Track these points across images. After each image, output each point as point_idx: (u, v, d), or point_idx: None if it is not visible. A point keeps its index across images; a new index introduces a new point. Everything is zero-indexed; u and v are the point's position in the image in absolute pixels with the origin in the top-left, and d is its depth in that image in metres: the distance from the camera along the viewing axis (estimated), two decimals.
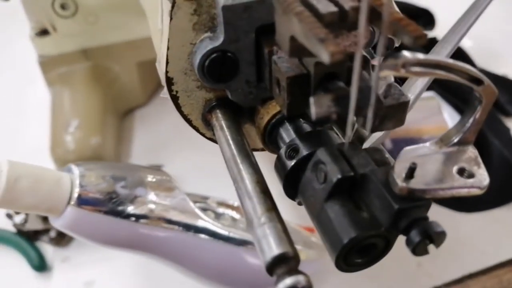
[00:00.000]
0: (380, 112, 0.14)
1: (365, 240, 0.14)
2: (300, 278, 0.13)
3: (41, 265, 0.43)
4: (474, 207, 0.46)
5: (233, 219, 0.36)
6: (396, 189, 0.13)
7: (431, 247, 0.13)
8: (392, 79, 0.15)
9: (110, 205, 0.25)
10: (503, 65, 0.63)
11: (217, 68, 0.17)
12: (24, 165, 0.23)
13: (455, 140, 0.15)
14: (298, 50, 0.13)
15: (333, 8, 0.12)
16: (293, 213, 0.39)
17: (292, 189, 0.16)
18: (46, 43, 0.52)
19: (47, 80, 0.54)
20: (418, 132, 0.47)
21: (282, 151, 0.17)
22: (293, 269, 0.13)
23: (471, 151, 0.15)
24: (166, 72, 0.17)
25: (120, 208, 0.26)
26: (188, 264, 0.30)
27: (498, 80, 0.60)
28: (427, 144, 0.15)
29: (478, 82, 0.13)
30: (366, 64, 0.15)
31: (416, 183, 0.13)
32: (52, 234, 0.45)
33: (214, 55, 0.17)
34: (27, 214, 0.45)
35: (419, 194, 0.13)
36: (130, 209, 0.26)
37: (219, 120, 0.19)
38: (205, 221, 0.29)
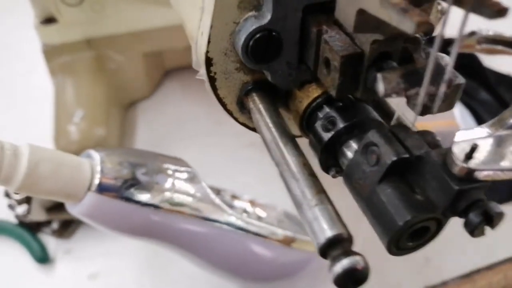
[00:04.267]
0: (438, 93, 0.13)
1: (421, 222, 0.14)
2: (358, 259, 0.13)
3: (43, 257, 0.42)
4: None
5: (246, 212, 0.36)
6: (455, 170, 0.13)
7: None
8: (447, 59, 0.14)
9: (130, 191, 0.25)
10: (509, 63, 0.63)
11: (261, 48, 0.16)
12: (45, 149, 0.22)
13: (511, 122, 0.15)
14: (363, 25, 0.12)
15: None
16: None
17: (327, 162, 0.16)
18: (50, 32, 0.51)
19: (51, 69, 0.53)
20: (427, 127, 0.47)
21: (318, 124, 0.16)
22: (349, 250, 0.13)
23: None
24: (207, 52, 0.17)
25: (140, 195, 0.25)
26: (203, 255, 0.30)
27: (503, 78, 0.61)
28: (482, 126, 0.15)
29: None
30: (419, 45, 0.15)
31: (476, 164, 0.13)
32: (55, 225, 0.44)
33: (260, 34, 0.16)
34: (29, 205, 0.44)
35: (478, 175, 0.13)
36: (150, 196, 0.25)
37: (256, 104, 0.18)
38: (225, 212, 0.29)
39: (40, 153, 0.22)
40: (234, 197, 0.37)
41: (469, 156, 0.13)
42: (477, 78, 0.59)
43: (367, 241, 0.42)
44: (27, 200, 0.44)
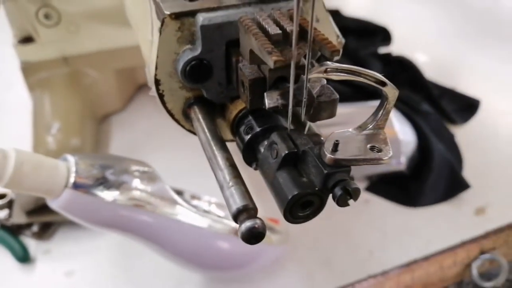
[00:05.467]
0: (314, 105, 0.19)
1: (304, 197, 0.19)
2: (257, 221, 0.18)
3: (24, 257, 0.45)
4: (420, 202, 0.51)
5: (205, 211, 0.41)
6: (326, 159, 0.19)
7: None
8: (325, 82, 0.20)
9: (100, 189, 0.29)
10: (452, 78, 0.71)
11: (195, 72, 0.22)
12: (28, 152, 0.27)
13: (370, 126, 0.20)
14: (255, 59, 0.18)
15: (279, 31, 0.18)
16: (260, 207, 0.44)
17: (248, 158, 0.22)
18: (28, 50, 0.55)
19: (29, 85, 0.57)
20: None
21: (241, 129, 0.22)
22: (253, 216, 0.18)
23: (382, 134, 0.20)
24: (155, 75, 0.22)
25: (108, 192, 0.30)
26: (165, 245, 0.34)
27: (446, 92, 0.68)
28: (350, 129, 0.20)
29: (383, 84, 0.19)
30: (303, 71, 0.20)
31: (339, 155, 0.19)
32: (35, 228, 0.48)
33: (193, 62, 0.22)
34: (10, 210, 0.48)
35: (342, 162, 0.19)
36: (117, 193, 0.30)
37: (197, 114, 0.24)
38: (183, 207, 0.34)
39: (24, 155, 0.27)
40: (194, 197, 0.42)
41: (334, 149, 0.19)
42: (421, 92, 0.66)
43: (317, 239, 0.48)
44: (9, 205, 0.48)
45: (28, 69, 0.56)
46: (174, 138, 0.59)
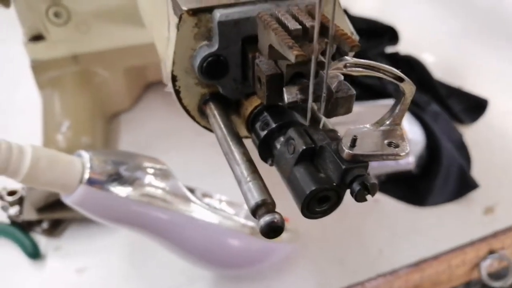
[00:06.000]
0: (331, 101, 0.19)
1: (322, 192, 0.19)
2: (276, 216, 0.18)
3: (35, 253, 0.45)
4: (429, 202, 0.51)
5: (215, 208, 0.41)
6: (343, 155, 0.19)
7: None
8: (342, 78, 0.20)
9: (114, 185, 0.30)
10: (460, 78, 0.71)
11: (212, 69, 0.22)
12: (44, 149, 0.28)
13: (387, 122, 0.20)
14: (274, 55, 0.18)
15: (298, 26, 0.18)
16: None
17: (264, 154, 0.22)
18: (38, 49, 0.55)
19: (38, 83, 0.57)
20: None
21: (257, 125, 0.22)
22: (271, 210, 0.19)
23: (399, 130, 0.20)
24: (172, 71, 0.22)
25: (122, 188, 0.30)
26: (177, 241, 0.34)
27: (454, 91, 0.68)
28: (368, 125, 0.20)
29: (400, 79, 0.19)
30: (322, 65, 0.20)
31: (357, 150, 0.19)
32: (45, 225, 0.48)
33: (210, 58, 0.22)
34: (21, 207, 0.48)
35: (360, 158, 0.19)
36: (130, 189, 0.31)
37: (213, 110, 0.24)
38: (196, 204, 0.34)
39: (40, 151, 0.27)
40: (205, 195, 0.42)
41: (352, 145, 0.19)
42: (429, 92, 0.66)
43: (328, 238, 0.48)
44: (19, 202, 0.49)
45: (38, 67, 0.56)
46: (183, 136, 0.60)
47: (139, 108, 0.64)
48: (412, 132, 0.53)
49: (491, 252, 0.50)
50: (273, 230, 0.18)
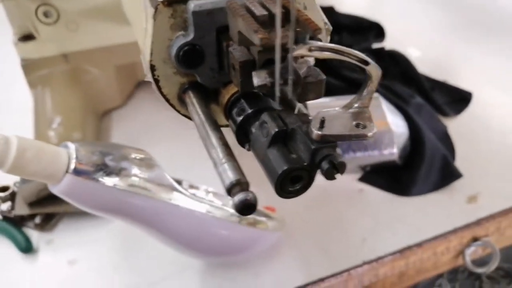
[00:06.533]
0: (301, 85, 0.20)
1: (293, 171, 0.20)
2: (250, 194, 0.19)
3: (27, 247, 0.46)
4: (413, 192, 0.53)
5: (203, 198, 0.42)
6: (313, 136, 0.20)
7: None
8: (311, 63, 0.21)
9: (100, 174, 0.31)
10: (445, 72, 0.72)
11: (188, 57, 0.23)
12: (29, 139, 0.28)
13: (356, 105, 0.21)
14: (244, 41, 0.19)
15: (265, 12, 0.19)
16: (258, 196, 0.46)
17: (241, 139, 0.23)
18: (28, 48, 0.56)
19: (29, 81, 0.58)
20: None
21: (234, 112, 0.23)
22: (245, 189, 0.20)
23: (367, 112, 0.21)
24: (150, 60, 0.23)
25: (108, 178, 0.31)
26: (165, 230, 0.35)
27: (438, 85, 0.69)
28: (337, 108, 0.21)
29: (366, 63, 0.20)
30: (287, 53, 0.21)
31: (326, 131, 0.20)
32: (37, 220, 0.49)
33: (186, 47, 0.23)
34: (13, 202, 0.49)
35: (329, 138, 0.20)
36: (117, 179, 0.31)
37: (191, 98, 0.25)
38: (181, 193, 0.35)
39: (26, 142, 0.28)
40: (192, 186, 0.43)
41: (321, 126, 0.20)
42: (413, 85, 0.67)
43: (313, 227, 0.49)
44: (11, 197, 0.49)
45: (28, 66, 0.57)
46: (173, 132, 0.61)
47: (130, 106, 0.65)
48: (396, 124, 0.54)
49: (475, 239, 0.51)
50: (246, 207, 0.19)
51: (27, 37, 0.56)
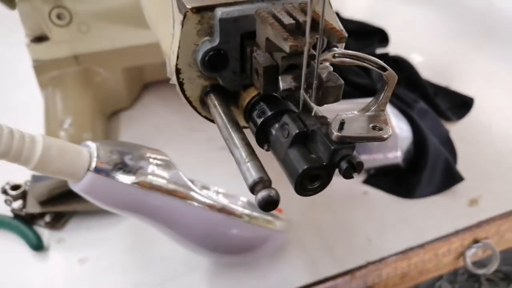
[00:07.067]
0: (322, 89, 0.21)
1: (313, 170, 0.21)
2: (272, 191, 0.20)
3: (38, 245, 0.47)
4: (416, 194, 0.54)
5: (214, 199, 0.43)
6: (332, 137, 0.21)
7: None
8: (331, 69, 0.22)
9: (119, 173, 0.32)
10: (447, 78, 0.73)
11: (213, 62, 0.24)
12: (54, 139, 0.30)
13: (373, 109, 0.23)
14: (271, 47, 0.20)
15: (292, 21, 0.20)
16: None
17: (261, 140, 0.24)
18: (40, 49, 0.57)
19: (40, 82, 0.59)
20: None
21: (254, 114, 0.24)
22: (267, 186, 0.21)
23: (383, 116, 0.23)
24: (176, 64, 0.25)
25: (127, 176, 0.32)
26: (178, 228, 0.36)
27: (441, 90, 0.71)
28: (355, 111, 0.23)
29: (384, 69, 0.21)
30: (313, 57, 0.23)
31: (345, 133, 0.21)
32: (47, 218, 0.50)
33: (212, 52, 0.24)
34: (24, 201, 0.50)
35: (347, 139, 0.21)
36: (135, 178, 0.33)
37: (213, 101, 0.26)
38: (196, 193, 0.36)
39: (51, 141, 0.29)
40: (203, 187, 0.44)
41: (340, 128, 0.21)
42: (417, 90, 0.69)
43: (319, 228, 0.50)
44: (23, 196, 0.50)
45: (40, 68, 0.58)
46: (179, 134, 0.62)
47: (137, 107, 0.67)
48: (400, 128, 0.55)
49: (476, 241, 0.52)
50: (269, 203, 0.20)
51: (39, 39, 0.57)
